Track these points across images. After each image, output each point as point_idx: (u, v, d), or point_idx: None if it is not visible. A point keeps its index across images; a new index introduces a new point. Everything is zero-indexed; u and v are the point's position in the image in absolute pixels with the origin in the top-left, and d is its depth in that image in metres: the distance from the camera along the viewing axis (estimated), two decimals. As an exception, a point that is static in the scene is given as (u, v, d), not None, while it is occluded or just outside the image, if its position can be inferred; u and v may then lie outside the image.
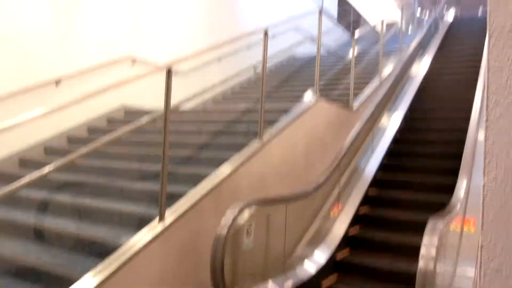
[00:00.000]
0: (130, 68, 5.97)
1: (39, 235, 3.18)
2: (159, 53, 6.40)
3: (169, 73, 2.80)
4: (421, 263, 2.18)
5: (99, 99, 5.21)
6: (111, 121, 5.57)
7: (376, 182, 4.75)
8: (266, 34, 3.86)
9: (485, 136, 0.71)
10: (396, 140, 5.47)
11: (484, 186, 0.71)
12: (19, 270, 2.79)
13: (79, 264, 2.66)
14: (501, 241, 0.69)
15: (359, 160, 5.02)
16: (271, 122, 4.09)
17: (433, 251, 2.23)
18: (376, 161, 5.01)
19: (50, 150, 4.84)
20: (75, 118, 5.26)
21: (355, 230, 4.10)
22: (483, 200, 0.71)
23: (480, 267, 0.70)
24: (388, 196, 4.51)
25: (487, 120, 0.71)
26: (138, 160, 4.09)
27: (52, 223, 3.21)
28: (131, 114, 5.81)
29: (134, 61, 6.00)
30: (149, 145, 4.39)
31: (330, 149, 4.68)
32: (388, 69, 6.76)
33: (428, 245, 2.26)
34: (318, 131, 4.50)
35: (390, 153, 5.24)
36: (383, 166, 5.01)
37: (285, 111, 4.36)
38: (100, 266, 2.37)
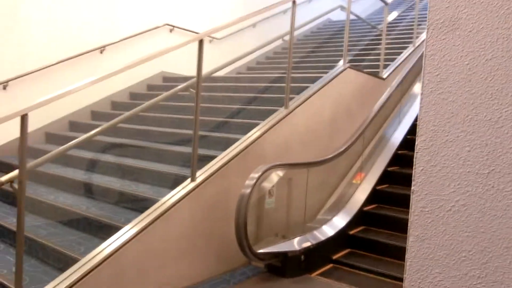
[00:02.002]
0: (168, 36, 6.26)
1: (88, 190, 3.60)
2: (196, 22, 6.61)
3: (200, 43, 3.04)
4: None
5: (140, 67, 5.56)
6: (151, 87, 5.93)
7: (403, 145, 4.88)
8: (294, 2, 3.97)
9: (420, 107, 0.92)
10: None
11: (416, 145, 0.92)
12: (71, 219, 3.22)
13: (123, 216, 3.05)
14: (426, 188, 0.91)
15: (386, 130, 5.12)
16: (300, 90, 4.27)
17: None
18: (404, 130, 5.10)
19: (96, 114, 5.27)
20: (118, 84, 5.65)
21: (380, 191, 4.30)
22: (415, 156, 0.92)
23: (411, 206, 0.93)
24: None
25: (422, 93, 0.91)
26: (176, 125, 4.42)
27: (99, 180, 3.62)
28: (169, 80, 6.15)
29: (172, 29, 6.27)
30: (186, 111, 4.71)
31: (356, 118, 4.82)
32: (423, 36, 6.67)
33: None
34: (345, 100, 4.64)
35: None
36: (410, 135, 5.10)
37: (314, 79, 4.52)
38: (140, 217, 2.74)
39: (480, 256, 0.86)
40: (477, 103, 0.86)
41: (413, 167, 0.91)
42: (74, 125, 5.07)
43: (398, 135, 5.01)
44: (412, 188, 0.92)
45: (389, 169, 4.53)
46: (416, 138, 0.91)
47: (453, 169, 0.88)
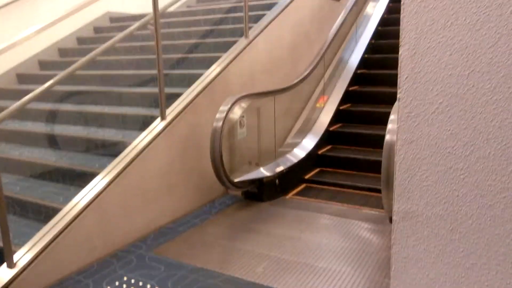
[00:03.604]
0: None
1: (53, 142, 3.51)
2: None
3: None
4: (387, 137, 2.48)
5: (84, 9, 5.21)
6: (98, 30, 5.61)
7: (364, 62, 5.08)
8: None
9: (402, 17, 0.96)
10: (382, 23, 5.61)
11: (400, 55, 0.97)
12: (42, 172, 3.16)
13: (96, 162, 3.02)
14: (411, 94, 0.98)
15: (345, 48, 5.19)
16: (257, 19, 4.19)
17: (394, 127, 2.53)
18: (363, 45, 5.20)
19: (44, 64, 4.98)
20: (62, 31, 5.30)
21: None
22: (400, 65, 0.97)
23: (399, 112, 1.00)
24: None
25: (403, 3, 0.95)
26: (134, 67, 4.27)
27: (62, 130, 3.51)
28: (116, 20, 5.82)
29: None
30: (140, 50, 4.53)
31: (315, 43, 4.83)
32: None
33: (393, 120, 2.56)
34: (303, 26, 4.61)
35: (377, 35, 5.45)
36: (369, 49, 5.25)
37: (270, 6, 4.42)
38: (116, 161, 2.73)
39: (463, 150, 0.96)
40: (457, 7, 0.91)
41: (398, 76, 0.97)
42: (23, 77, 4.79)
43: (356, 56, 5.14)
44: (398, 95, 0.99)
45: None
46: (400, 48, 0.96)
47: (436, 73, 0.94)
